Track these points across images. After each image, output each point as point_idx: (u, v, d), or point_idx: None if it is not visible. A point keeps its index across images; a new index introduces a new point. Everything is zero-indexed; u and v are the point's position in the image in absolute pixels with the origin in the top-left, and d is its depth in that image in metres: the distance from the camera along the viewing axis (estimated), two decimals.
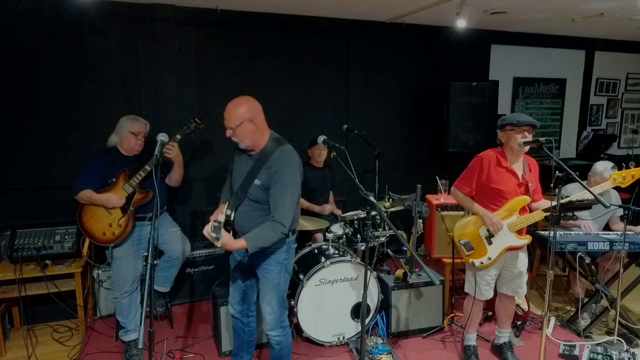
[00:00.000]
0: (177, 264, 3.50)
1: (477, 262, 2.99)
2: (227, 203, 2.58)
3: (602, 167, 3.72)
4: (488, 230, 2.94)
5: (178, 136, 3.25)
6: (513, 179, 2.90)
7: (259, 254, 2.55)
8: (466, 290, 3.17)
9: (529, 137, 2.82)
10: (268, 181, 2.43)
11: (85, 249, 3.51)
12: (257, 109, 2.49)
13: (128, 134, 3.17)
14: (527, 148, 2.84)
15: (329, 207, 4.32)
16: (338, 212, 4.51)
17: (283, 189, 2.41)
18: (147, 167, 3.11)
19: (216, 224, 2.32)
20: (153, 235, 2.12)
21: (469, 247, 3.00)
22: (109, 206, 3.11)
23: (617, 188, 3.90)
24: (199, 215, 4.43)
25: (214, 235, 2.31)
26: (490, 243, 2.96)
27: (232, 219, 2.53)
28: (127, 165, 3.19)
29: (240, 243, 2.36)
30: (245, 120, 2.43)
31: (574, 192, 3.71)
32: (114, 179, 3.15)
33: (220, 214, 2.52)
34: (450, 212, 3.87)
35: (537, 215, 2.87)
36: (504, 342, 3.28)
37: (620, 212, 3.75)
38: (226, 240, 2.34)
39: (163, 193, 3.33)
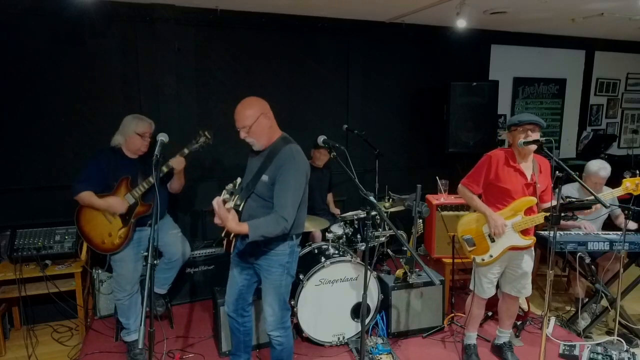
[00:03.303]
0: (177, 266, 3.49)
1: (478, 259, 2.99)
2: (237, 195, 2.58)
3: (597, 166, 3.64)
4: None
5: (186, 150, 3.16)
6: (521, 179, 2.89)
7: (262, 255, 2.55)
8: (471, 287, 3.16)
9: (533, 136, 2.79)
10: (274, 177, 2.44)
11: (83, 254, 3.49)
12: (267, 106, 2.54)
13: (133, 135, 3.09)
14: (533, 148, 2.81)
15: None
16: (336, 211, 4.52)
17: (287, 186, 2.41)
18: (151, 180, 3.05)
19: (229, 186, 2.29)
20: (153, 236, 2.12)
21: (471, 243, 3.01)
22: (111, 212, 3.05)
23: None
24: (200, 215, 4.44)
25: (226, 195, 2.27)
26: (492, 241, 2.95)
27: (240, 209, 2.52)
28: (130, 169, 3.12)
29: (243, 227, 2.34)
30: (261, 115, 2.46)
31: (568, 192, 3.70)
32: (115, 184, 3.08)
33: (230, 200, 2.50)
34: (450, 212, 3.87)
35: (541, 217, 2.84)
36: (504, 342, 3.28)
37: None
38: (231, 219, 2.32)
39: (164, 198, 3.28)
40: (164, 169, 3.09)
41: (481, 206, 2.96)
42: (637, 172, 2.80)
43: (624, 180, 2.81)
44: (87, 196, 3.02)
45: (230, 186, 2.32)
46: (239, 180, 2.40)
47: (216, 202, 2.32)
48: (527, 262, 3.02)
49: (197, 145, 3.18)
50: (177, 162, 3.13)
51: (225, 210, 2.30)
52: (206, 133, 3.19)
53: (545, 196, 2.96)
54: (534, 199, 2.89)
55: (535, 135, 2.80)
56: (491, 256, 2.96)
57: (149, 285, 2.06)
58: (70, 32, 3.79)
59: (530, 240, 2.94)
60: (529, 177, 2.90)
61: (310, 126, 4.63)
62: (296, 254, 2.66)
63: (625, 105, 6.54)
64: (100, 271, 3.74)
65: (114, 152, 3.14)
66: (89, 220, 3.09)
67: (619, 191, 2.82)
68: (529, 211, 2.91)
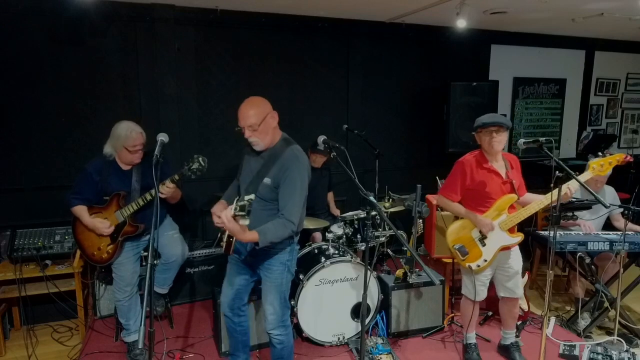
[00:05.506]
0: (175, 266, 3.47)
1: (473, 266, 2.98)
2: (236, 199, 2.48)
3: None
4: (480, 232, 2.95)
5: (176, 177, 2.95)
6: (497, 179, 2.92)
7: (263, 254, 2.55)
8: (463, 292, 3.16)
9: (498, 138, 2.83)
10: (277, 179, 2.44)
11: (76, 261, 3.48)
12: (271, 106, 2.53)
13: (123, 150, 2.99)
14: (501, 147, 2.87)
15: None
16: (337, 212, 4.52)
17: (293, 188, 2.42)
18: (140, 202, 3.00)
19: (242, 203, 2.19)
20: (153, 236, 2.12)
21: (463, 252, 2.99)
22: (96, 233, 3.05)
23: (617, 187, 3.90)
24: (199, 215, 4.44)
25: (242, 213, 2.18)
26: (483, 245, 2.96)
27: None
28: (124, 182, 3.06)
29: (252, 235, 2.32)
30: (268, 114, 2.46)
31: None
32: (108, 199, 3.05)
33: (233, 206, 2.37)
34: (450, 212, 3.86)
35: (526, 212, 2.88)
36: (512, 343, 3.26)
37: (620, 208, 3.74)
38: (241, 231, 2.30)
39: (161, 209, 3.19)
40: (152, 193, 2.98)
41: (465, 212, 2.97)
42: (599, 153, 2.82)
43: (589, 163, 2.86)
44: (78, 211, 3.05)
45: (243, 203, 2.17)
46: (253, 196, 2.25)
47: (225, 216, 2.21)
48: (517, 260, 3.04)
49: (190, 172, 2.92)
50: (165, 190, 2.96)
51: (235, 224, 2.22)
52: (200, 159, 2.93)
53: (520, 191, 3.00)
54: (515, 196, 2.92)
55: (500, 137, 2.84)
56: (485, 260, 2.96)
57: (148, 285, 2.06)
58: (70, 32, 3.79)
59: (518, 237, 2.96)
60: (504, 176, 2.93)
61: (310, 126, 4.63)
62: (295, 251, 2.67)
63: (625, 105, 6.54)
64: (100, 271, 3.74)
65: (107, 163, 3.07)
66: (82, 231, 3.12)
67: (587, 175, 2.83)
68: (510, 209, 2.94)
